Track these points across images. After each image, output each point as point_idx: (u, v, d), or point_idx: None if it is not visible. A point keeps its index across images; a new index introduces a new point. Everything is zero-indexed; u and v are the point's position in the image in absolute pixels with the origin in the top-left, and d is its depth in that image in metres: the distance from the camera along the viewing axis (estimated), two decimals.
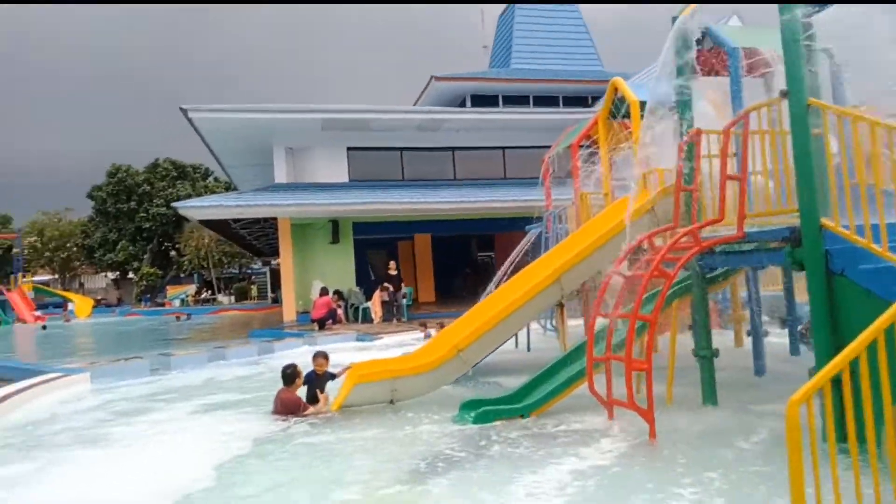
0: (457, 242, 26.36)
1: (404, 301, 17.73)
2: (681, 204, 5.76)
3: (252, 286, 39.62)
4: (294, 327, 16.74)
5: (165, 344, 16.16)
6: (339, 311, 17.19)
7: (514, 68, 28.75)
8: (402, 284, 17.84)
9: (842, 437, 3.44)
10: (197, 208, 18.59)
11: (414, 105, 27.11)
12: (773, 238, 4.83)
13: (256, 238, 26.45)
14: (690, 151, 5.51)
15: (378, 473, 4.78)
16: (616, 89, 8.58)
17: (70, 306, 32.41)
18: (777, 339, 8.58)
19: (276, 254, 28.99)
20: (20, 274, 34.47)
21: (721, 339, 6.81)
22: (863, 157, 4.14)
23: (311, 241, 19.99)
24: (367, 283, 19.80)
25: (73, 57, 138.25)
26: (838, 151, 4.75)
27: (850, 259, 4.44)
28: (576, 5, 31.30)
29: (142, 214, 42.37)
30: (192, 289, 39.18)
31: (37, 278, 42.12)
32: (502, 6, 32.03)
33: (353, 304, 18.35)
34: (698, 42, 6.14)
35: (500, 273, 11.41)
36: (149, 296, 38.48)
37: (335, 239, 19.79)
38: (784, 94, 4.51)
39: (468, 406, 6.14)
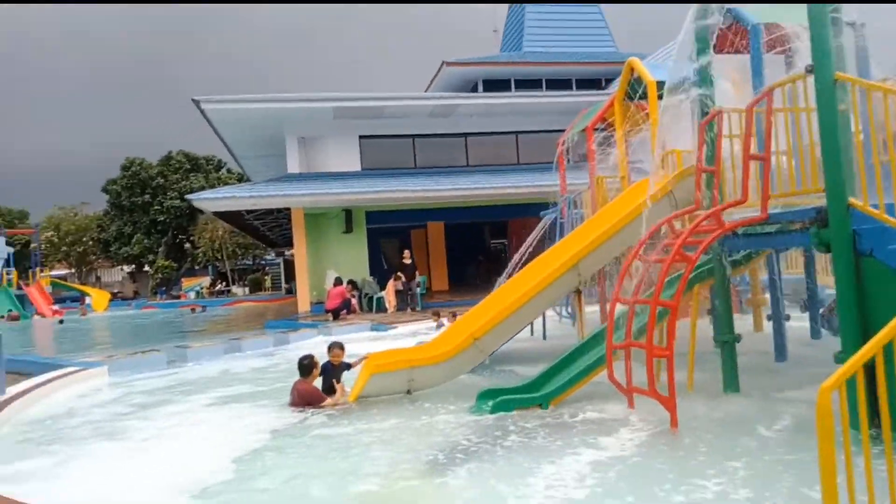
0: (470, 230, 26.23)
1: (418, 290, 17.68)
2: (702, 185, 5.61)
3: (266, 277, 39.84)
4: (309, 318, 16.76)
5: (181, 336, 16.27)
6: (354, 301, 17.17)
7: (527, 52, 28.41)
8: (417, 273, 17.78)
9: (872, 424, 3.32)
10: (211, 200, 18.63)
11: (426, 91, 26.92)
12: (799, 219, 4.68)
13: (270, 229, 26.50)
14: (711, 131, 5.35)
15: (396, 465, 4.73)
16: (632, 70, 8.40)
17: (87, 300, 32.74)
18: (797, 322, 8.42)
19: (289, 244, 29.05)
20: (38, 269, 34.87)
21: (740, 323, 6.68)
22: (892, 134, 3.98)
23: (325, 230, 19.98)
24: (380, 272, 19.76)
25: (85, 52, 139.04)
26: (862, 129, 4.59)
27: (879, 239, 4.30)
28: None
29: (156, 207, 42.63)
30: (206, 281, 39.48)
31: (54, 273, 42.59)
32: None
33: (366, 294, 18.34)
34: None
35: (514, 260, 11.30)
36: (164, 288, 38.79)
37: (348, 228, 19.77)
38: (810, 70, 4.34)
39: (485, 395, 6.07)
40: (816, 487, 3.60)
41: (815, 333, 8.43)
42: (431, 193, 18.41)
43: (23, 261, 39.58)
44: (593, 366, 6.05)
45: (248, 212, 20.23)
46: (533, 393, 6.06)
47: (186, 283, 39.02)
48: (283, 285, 36.32)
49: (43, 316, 28.71)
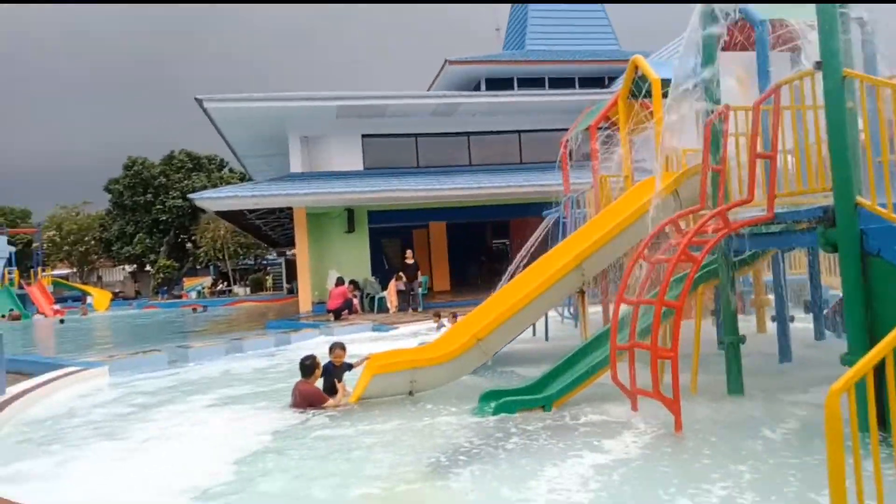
0: (472, 229, 26.17)
1: (420, 290, 17.63)
2: (707, 184, 5.55)
3: (267, 277, 39.82)
4: (310, 318, 16.73)
5: (183, 336, 16.24)
6: (355, 302, 17.13)
7: (529, 50, 28.34)
8: (419, 273, 17.73)
9: (882, 427, 3.27)
10: (213, 199, 18.60)
11: (428, 90, 26.88)
12: (806, 218, 4.62)
13: (272, 228, 26.47)
14: (718, 129, 5.30)
15: (398, 467, 4.69)
16: (636, 67, 8.34)
17: (88, 300, 32.75)
18: (800, 323, 8.37)
19: (291, 244, 29.01)
20: (40, 268, 34.89)
21: (743, 324, 6.62)
22: None
23: (327, 230, 19.95)
24: (382, 272, 19.72)
25: (85, 51, 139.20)
26: (871, 126, 4.53)
27: (887, 239, 4.24)
28: None
29: (158, 207, 42.63)
30: (208, 280, 39.50)
31: (56, 272, 42.64)
32: None
33: (368, 294, 18.30)
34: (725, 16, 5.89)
35: (517, 260, 11.25)
36: (166, 288, 38.78)
37: (350, 228, 19.73)
38: (818, 66, 4.29)
39: (488, 397, 6.02)
40: (824, 492, 3.55)
41: (819, 334, 8.38)
42: (434, 193, 18.37)
43: (25, 260, 39.63)
44: (597, 367, 6.00)
45: (250, 211, 20.20)
46: (536, 394, 6.01)
47: (188, 282, 39.03)
48: (285, 285, 36.31)
49: (45, 315, 28.73)
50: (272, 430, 5.89)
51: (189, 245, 43.49)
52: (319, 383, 6.88)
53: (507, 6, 32.36)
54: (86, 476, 4.99)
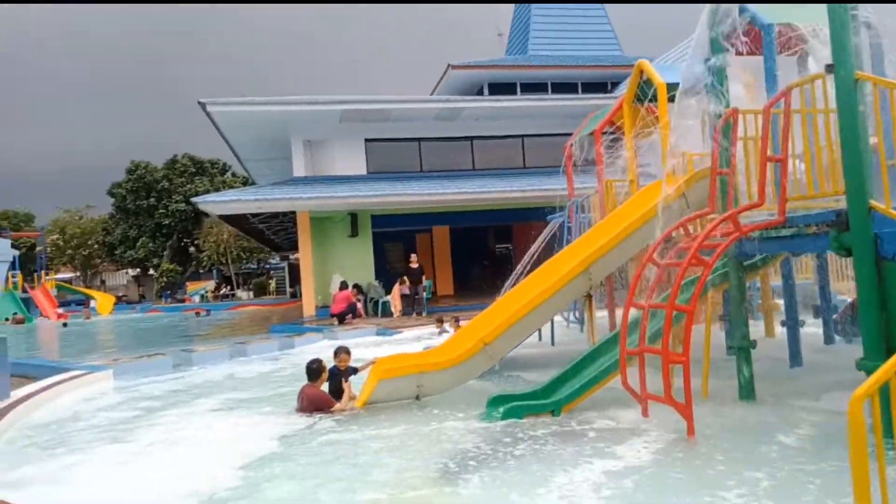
0: (475, 234, 26.14)
1: (424, 294, 17.59)
2: (716, 188, 5.51)
3: (270, 281, 39.80)
4: (314, 322, 16.67)
5: (186, 340, 16.21)
6: (359, 306, 17.09)
7: (532, 55, 28.36)
8: (423, 277, 17.68)
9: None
10: (217, 203, 18.58)
11: (431, 94, 26.89)
12: (818, 222, 4.58)
13: (275, 233, 26.46)
14: (727, 133, 5.25)
15: (405, 472, 4.64)
16: (642, 72, 8.31)
17: (91, 303, 32.74)
18: (809, 328, 8.31)
19: (294, 248, 29.00)
20: (43, 272, 34.90)
21: (751, 329, 6.56)
22: None
23: (330, 234, 19.93)
24: (385, 276, 19.69)
25: (87, 53, 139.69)
26: (885, 130, 4.49)
27: None
28: None
29: (161, 211, 42.65)
30: (211, 284, 39.48)
31: (59, 276, 42.64)
32: None
33: (372, 298, 18.26)
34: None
35: (521, 264, 11.21)
36: (169, 292, 38.76)
37: (354, 232, 19.71)
38: (829, 69, 4.25)
39: (496, 402, 5.97)
40: (844, 500, 3.51)
41: (828, 339, 8.32)
42: (437, 197, 18.34)
43: (28, 264, 39.66)
44: (606, 372, 5.95)
45: (254, 215, 20.19)
46: (544, 399, 5.96)
47: (191, 286, 39.01)
48: (288, 289, 36.29)
49: (48, 319, 28.72)
50: (278, 434, 5.84)
51: (192, 249, 43.50)
52: (324, 388, 6.83)
53: (510, 9, 32.41)
54: (90, 480, 4.96)
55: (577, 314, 11.80)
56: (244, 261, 41.76)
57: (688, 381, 4.87)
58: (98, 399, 8.29)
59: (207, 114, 18.00)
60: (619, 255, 7.31)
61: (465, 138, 21.19)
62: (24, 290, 31.35)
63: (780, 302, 8.73)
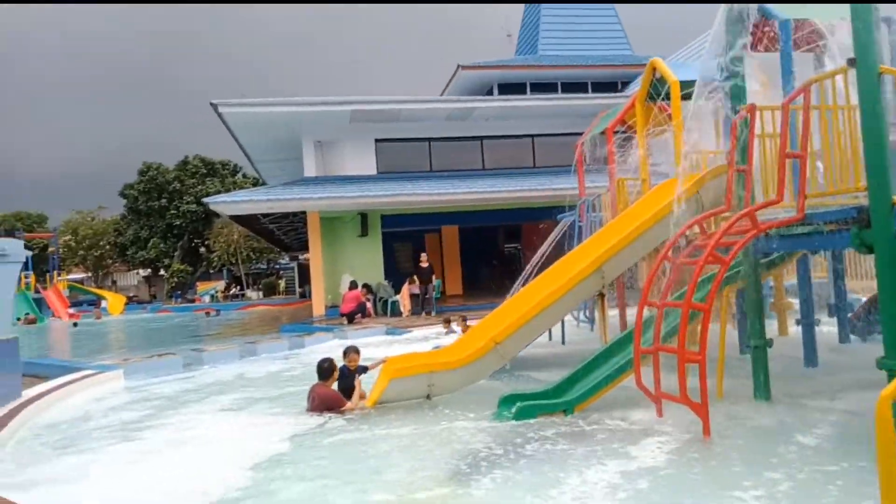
0: (484, 234, 26.08)
1: (434, 294, 17.54)
2: (733, 185, 5.42)
3: (280, 281, 39.88)
4: (323, 321, 16.67)
5: (197, 340, 16.24)
6: (369, 305, 17.07)
7: (542, 55, 28.26)
8: (434, 277, 17.64)
9: None
10: (228, 203, 18.61)
11: (441, 95, 26.85)
12: (840, 219, 4.48)
13: (285, 233, 26.49)
14: (744, 129, 5.17)
15: (417, 473, 4.59)
16: (654, 69, 8.23)
17: (103, 303, 32.92)
18: (823, 327, 8.20)
19: (304, 248, 29.00)
20: (55, 272, 35.12)
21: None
22: None
23: (340, 234, 19.94)
24: (395, 276, 19.66)
25: (100, 56, 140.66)
26: None
27: None
28: None
29: (172, 212, 42.83)
30: (221, 285, 39.59)
31: (71, 276, 42.89)
32: None
33: (381, 298, 18.24)
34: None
35: (532, 263, 11.14)
36: (179, 292, 38.92)
37: (364, 232, 19.71)
38: (852, 63, 4.16)
39: (508, 401, 5.91)
40: (866, 502, 3.43)
41: (843, 338, 8.21)
42: (447, 197, 18.30)
43: (41, 264, 39.94)
44: (620, 371, 5.87)
45: (265, 215, 20.21)
46: (557, 399, 5.89)
47: (201, 286, 39.13)
48: (297, 289, 36.35)
49: (60, 319, 28.89)
50: (289, 434, 5.81)
51: (203, 250, 43.67)
52: (334, 387, 6.79)
53: (517, 10, 32.32)
54: (101, 480, 4.94)
55: (587, 313, 11.72)
56: (254, 261, 41.86)
57: (704, 380, 4.80)
58: (109, 399, 8.30)
59: (219, 115, 18.04)
60: (633, 254, 7.23)
61: (475, 138, 21.14)
62: (37, 291, 31.56)
63: (794, 301, 8.65)
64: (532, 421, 5.65)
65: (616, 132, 10.05)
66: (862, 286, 9.74)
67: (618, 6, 30.27)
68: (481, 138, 21.18)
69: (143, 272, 47.72)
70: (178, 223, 42.76)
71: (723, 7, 5.66)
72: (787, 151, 4.55)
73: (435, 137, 20.81)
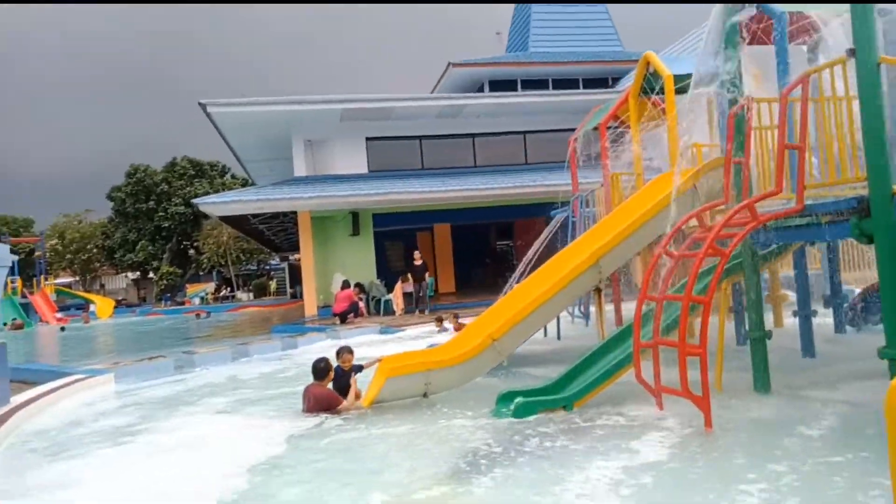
0: (476, 231, 26.03)
1: (427, 292, 17.47)
2: (731, 177, 5.38)
3: (271, 282, 39.68)
4: (316, 321, 16.56)
5: (187, 342, 16.08)
6: (361, 304, 16.97)
7: (533, 52, 28.23)
8: (427, 275, 17.57)
9: None
10: (217, 204, 18.45)
11: (432, 92, 26.77)
12: (839, 209, 4.45)
13: (275, 233, 26.33)
14: (741, 122, 5.13)
15: (415, 472, 4.52)
16: (648, 64, 8.19)
17: (91, 307, 32.60)
18: (819, 318, 8.21)
19: (294, 249, 28.87)
20: (42, 277, 34.76)
21: None
22: None
23: (332, 233, 19.83)
24: (387, 275, 19.58)
25: (88, 58, 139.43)
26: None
27: None
28: None
29: (160, 214, 42.52)
30: (211, 286, 39.32)
31: (59, 280, 42.47)
32: None
33: (374, 297, 18.15)
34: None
35: (526, 259, 11.10)
36: (169, 295, 38.64)
37: (355, 231, 19.60)
38: (851, 53, 4.13)
39: (506, 398, 5.85)
40: (873, 492, 3.40)
41: (839, 329, 8.23)
42: (439, 195, 18.22)
43: (27, 269, 39.52)
44: (619, 365, 5.83)
45: (254, 216, 20.05)
46: (556, 394, 5.83)
47: (191, 289, 38.85)
48: (288, 290, 36.17)
49: (48, 324, 28.58)
50: (285, 435, 5.72)
51: (192, 251, 43.39)
52: (329, 387, 6.71)
53: (509, 9, 32.27)
54: (93, 485, 4.84)
55: (582, 308, 11.70)
56: (244, 262, 41.65)
57: (705, 373, 4.76)
58: (99, 403, 8.16)
59: (208, 115, 17.87)
60: (629, 248, 7.20)
61: (467, 135, 21.09)
62: (24, 296, 31.20)
63: (788, 292, 8.66)
64: (531, 418, 5.60)
65: (609, 127, 10.02)
66: (856, 277, 9.79)
67: (609, 5, 30.30)
68: (473, 136, 21.13)
69: (131, 275, 47.34)
70: (166, 225, 42.46)
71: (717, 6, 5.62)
72: (785, 143, 4.51)
73: (426, 135, 20.73)
